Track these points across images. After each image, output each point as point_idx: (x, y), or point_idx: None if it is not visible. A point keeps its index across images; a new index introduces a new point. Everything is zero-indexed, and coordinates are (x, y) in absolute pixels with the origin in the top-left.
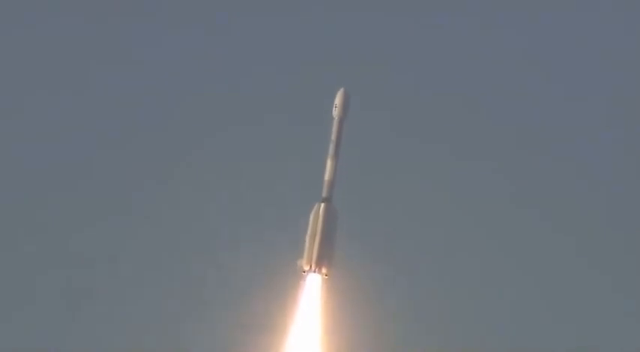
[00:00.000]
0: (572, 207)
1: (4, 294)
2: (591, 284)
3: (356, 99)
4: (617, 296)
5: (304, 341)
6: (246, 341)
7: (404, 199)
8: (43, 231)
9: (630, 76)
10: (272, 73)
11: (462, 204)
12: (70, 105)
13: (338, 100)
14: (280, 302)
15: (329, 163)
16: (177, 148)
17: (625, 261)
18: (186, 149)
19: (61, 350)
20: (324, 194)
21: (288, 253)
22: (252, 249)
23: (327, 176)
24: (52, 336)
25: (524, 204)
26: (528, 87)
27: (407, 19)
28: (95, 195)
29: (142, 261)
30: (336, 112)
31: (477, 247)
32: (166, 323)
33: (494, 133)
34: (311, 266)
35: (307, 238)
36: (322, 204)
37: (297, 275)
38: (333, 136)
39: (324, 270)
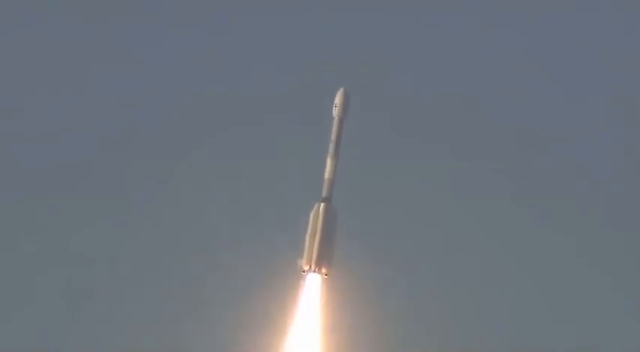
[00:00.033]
0: (572, 207)
1: (4, 294)
2: (591, 284)
3: (356, 99)
4: (617, 296)
5: (304, 341)
6: (246, 341)
7: (404, 199)
8: (43, 231)
9: (630, 76)
10: (272, 73)
11: (462, 204)
12: (70, 105)
13: (338, 100)
14: (280, 302)
15: (329, 163)
16: (177, 148)
17: (625, 261)
18: (186, 149)
19: (61, 350)
20: (324, 194)
21: (288, 253)
22: (252, 249)
23: (327, 175)
24: (52, 336)
25: (524, 204)
26: (528, 87)
27: (407, 19)
28: (95, 195)
29: (142, 261)
30: (336, 112)
31: (477, 247)
32: (166, 323)
33: (494, 133)
34: (311, 266)
35: (307, 238)
36: (322, 204)
37: (297, 275)
38: (333, 136)
39: (324, 270)
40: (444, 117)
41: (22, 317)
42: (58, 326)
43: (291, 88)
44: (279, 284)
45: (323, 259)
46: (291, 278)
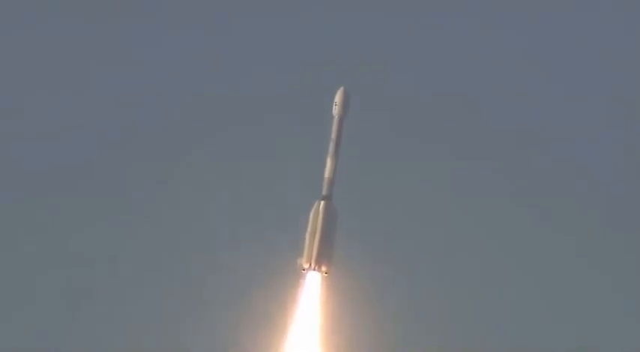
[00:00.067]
0: (572, 207)
1: (4, 294)
2: (591, 284)
3: (356, 99)
4: (617, 296)
5: (304, 341)
6: (246, 340)
7: (404, 199)
8: (43, 231)
9: (630, 76)
10: (272, 73)
11: (462, 204)
12: (70, 105)
13: (338, 98)
14: (280, 301)
15: (329, 162)
16: (177, 148)
17: (625, 261)
18: (186, 149)
19: (61, 350)
20: (324, 192)
21: (288, 252)
22: (252, 249)
23: (327, 174)
24: (52, 336)
25: (524, 204)
26: (528, 87)
27: (407, 19)
28: (95, 195)
29: (142, 261)
30: (336, 111)
31: (477, 247)
32: (166, 323)
33: (494, 133)
34: (311, 264)
35: (307, 236)
36: (322, 202)
37: (297, 274)
38: (333, 135)
39: (323, 268)
40: (444, 117)
41: (22, 317)
42: (58, 326)
43: (291, 88)
44: (279, 284)
45: (323, 257)
46: (291, 278)
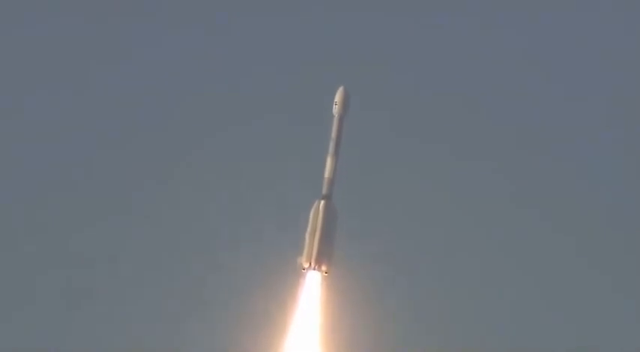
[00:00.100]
0: (572, 207)
1: (4, 294)
2: (591, 284)
3: (356, 98)
4: (617, 296)
5: (304, 341)
6: (246, 340)
7: (404, 199)
8: (43, 231)
9: (630, 76)
10: (272, 73)
11: (462, 204)
12: (70, 105)
13: (338, 98)
14: (280, 301)
15: (329, 161)
16: (177, 148)
17: (625, 261)
18: (186, 149)
19: (61, 350)
20: (324, 191)
21: (289, 252)
22: (252, 249)
23: (327, 173)
24: (52, 336)
25: (524, 204)
26: (528, 87)
27: (407, 19)
28: (95, 195)
29: (142, 261)
30: (336, 110)
31: (477, 247)
32: (166, 323)
33: (494, 133)
34: (311, 264)
35: (307, 235)
36: (322, 201)
37: (297, 274)
38: (334, 134)
39: (323, 267)
40: (444, 117)
41: (22, 317)
42: (58, 326)
43: (291, 87)
44: (279, 283)
45: (323, 256)
46: (291, 277)
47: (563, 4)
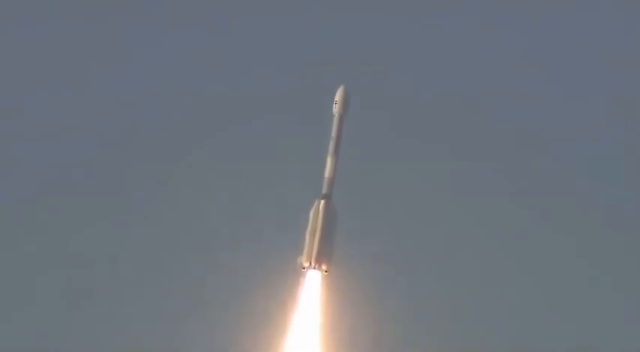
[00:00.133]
0: (572, 207)
1: (4, 294)
2: (591, 284)
3: (356, 98)
4: (617, 296)
5: (304, 341)
6: (246, 340)
7: (404, 199)
8: (43, 231)
9: (630, 76)
10: (272, 73)
11: (462, 204)
12: (70, 105)
13: (338, 97)
14: (280, 301)
15: (329, 160)
16: (177, 148)
17: (625, 261)
18: (186, 149)
19: (61, 350)
20: (324, 190)
21: (289, 252)
22: (252, 249)
23: (327, 173)
24: (52, 336)
25: (524, 204)
26: (528, 87)
27: (407, 19)
28: (95, 195)
29: (142, 261)
30: (336, 109)
31: (477, 247)
32: (166, 323)
33: (494, 133)
34: (311, 263)
35: (307, 234)
36: (322, 201)
37: (297, 274)
38: (334, 134)
39: (323, 267)
40: (444, 117)
41: (22, 317)
42: (58, 326)
43: (291, 87)
44: (279, 283)
45: (323, 256)
46: (291, 277)
47: (563, 4)
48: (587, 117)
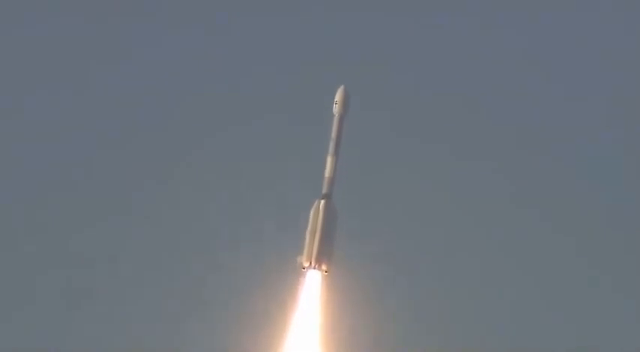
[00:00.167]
0: (572, 207)
1: (4, 294)
2: (591, 284)
3: (356, 98)
4: (617, 296)
5: (304, 341)
6: (246, 341)
7: (404, 199)
8: (43, 231)
9: (630, 76)
10: (272, 73)
11: (462, 204)
12: (70, 105)
13: (338, 97)
14: (280, 301)
15: (329, 160)
16: (177, 148)
17: (625, 261)
18: (186, 149)
19: (61, 350)
20: (324, 191)
21: (288, 252)
22: (252, 249)
23: (327, 173)
24: (52, 336)
25: (524, 204)
26: (528, 87)
27: (407, 19)
28: (95, 195)
29: (142, 261)
30: (336, 109)
31: (477, 247)
32: (166, 323)
33: (494, 133)
34: (311, 263)
35: (307, 234)
36: (322, 201)
37: (297, 274)
38: (334, 134)
39: (323, 267)
40: (444, 117)
41: (22, 317)
42: (58, 326)
43: (291, 87)
44: (279, 283)
45: (323, 256)
46: (291, 277)
47: (563, 4)
48: (587, 117)
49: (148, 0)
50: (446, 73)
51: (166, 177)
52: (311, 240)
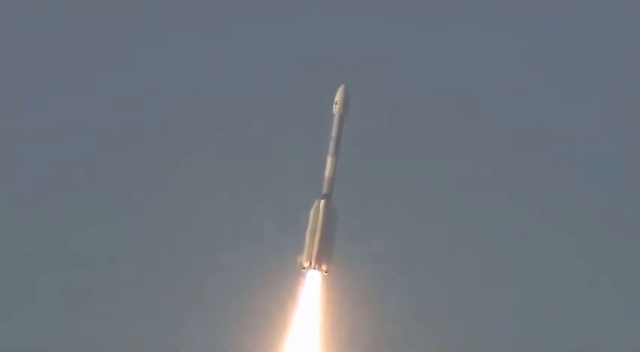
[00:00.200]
0: (572, 207)
1: (4, 294)
2: (591, 284)
3: (356, 98)
4: (617, 296)
5: (304, 341)
6: (246, 341)
7: (404, 199)
8: (43, 231)
9: (630, 76)
10: (272, 73)
11: (462, 204)
12: (70, 105)
13: (338, 97)
14: (280, 301)
15: (329, 160)
16: (177, 148)
17: (625, 261)
18: (186, 149)
19: (61, 350)
20: (324, 191)
21: (288, 252)
22: (252, 249)
23: (327, 173)
24: (52, 336)
25: (524, 204)
26: (528, 87)
27: (407, 19)
28: (95, 195)
29: (142, 261)
30: (336, 109)
31: (477, 247)
32: (166, 323)
33: (494, 133)
34: (311, 263)
35: (307, 234)
36: (322, 201)
37: (297, 274)
38: (334, 134)
39: (323, 267)
40: (444, 117)
41: (22, 317)
42: (58, 326)
43: (291, 87)
44: (279, 283)
45: (323, 256)
46: (291, 277)
47: (563, 4)
48: (587, 117)
49: (147, 0)
50: (446, 73)
51: (166, 177)
52: (311, 240)
